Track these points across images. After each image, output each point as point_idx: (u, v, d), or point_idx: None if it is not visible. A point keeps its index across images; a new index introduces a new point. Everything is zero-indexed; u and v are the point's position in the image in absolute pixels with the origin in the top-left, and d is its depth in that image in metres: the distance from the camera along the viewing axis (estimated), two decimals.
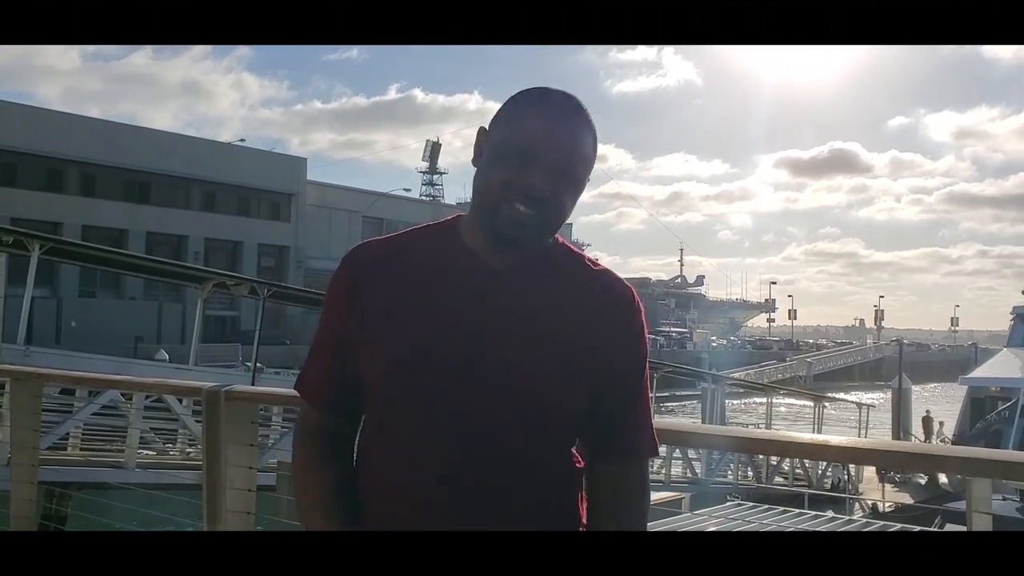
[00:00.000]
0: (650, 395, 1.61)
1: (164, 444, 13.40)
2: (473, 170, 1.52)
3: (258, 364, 20.22)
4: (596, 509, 1.54)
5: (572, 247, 1.58)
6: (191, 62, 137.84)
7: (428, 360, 1.44)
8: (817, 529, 6.15)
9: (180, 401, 11.59)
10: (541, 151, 1.44)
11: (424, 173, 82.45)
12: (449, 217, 1.60)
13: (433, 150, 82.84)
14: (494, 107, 1.55)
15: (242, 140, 53.91)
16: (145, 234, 41.66)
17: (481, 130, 1.53)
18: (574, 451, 1.56)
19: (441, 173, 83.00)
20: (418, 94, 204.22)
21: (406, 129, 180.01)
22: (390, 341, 1.45)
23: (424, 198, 73.87)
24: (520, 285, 1.49)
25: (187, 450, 12.90)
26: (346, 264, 1.56)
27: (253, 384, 15.00)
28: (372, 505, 1.49)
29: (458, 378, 1.43)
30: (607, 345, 1.50)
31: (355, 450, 1.58)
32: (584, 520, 1.55)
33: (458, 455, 1.42)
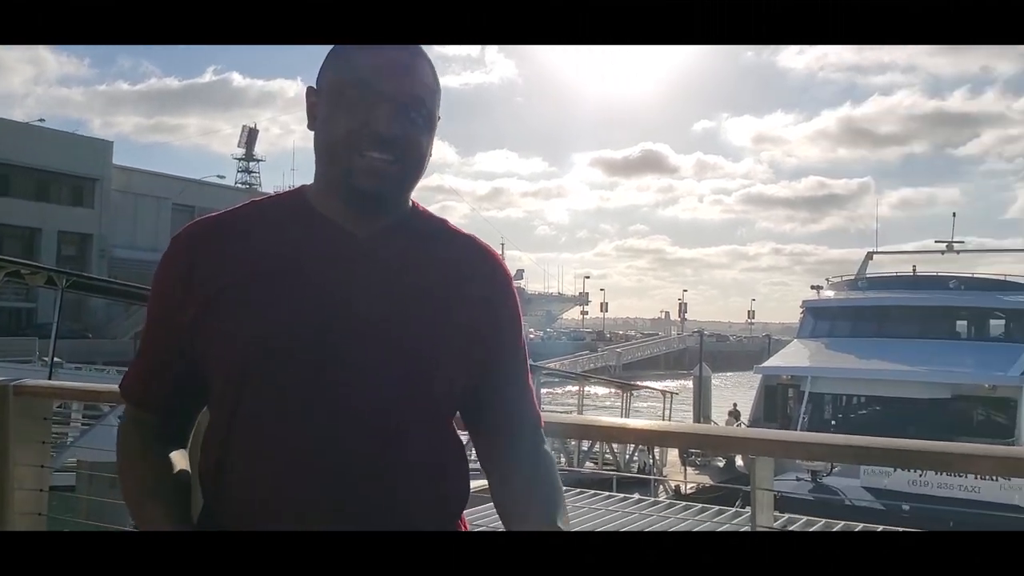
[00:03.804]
0: (528, 363, 1.54)
1: None
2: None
3: (57, 359, 18.97)
4: (509, 482, 1.42)
5: (432, 212, 1.47)
6: None
7: (290, 341, 1.29)
8: (626, 510, 6.45)
9: None
10: (383, 85, 1.31)
11: (240, 160, 79.83)
12: (291, 188, 1.45)
13: (250, 136, 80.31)
14: None
15: (41, 120, 50.22)
16: None
17: (310, 90, 1.40)
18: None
19: (258, 160, 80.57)
20: (235, 77, 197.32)
21: (220, 114, 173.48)
22: (244, 324, 1.29)
23: (240, 186, 71.35)
24: (385, 250, 1.36)
25: None
26: (177, 245, 1.37)
27: (50, 379, 14.11)
28: (236, 493, 1.33)
29: (324, 355, 1.29)
30: (482, 309, 1.40)
31: (201, 445, 1.40)
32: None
33: (331, 431, 1.29)
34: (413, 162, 1.36)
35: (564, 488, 1.50)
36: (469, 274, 1.42)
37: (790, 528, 5.15)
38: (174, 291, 1.35)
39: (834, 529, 5.61)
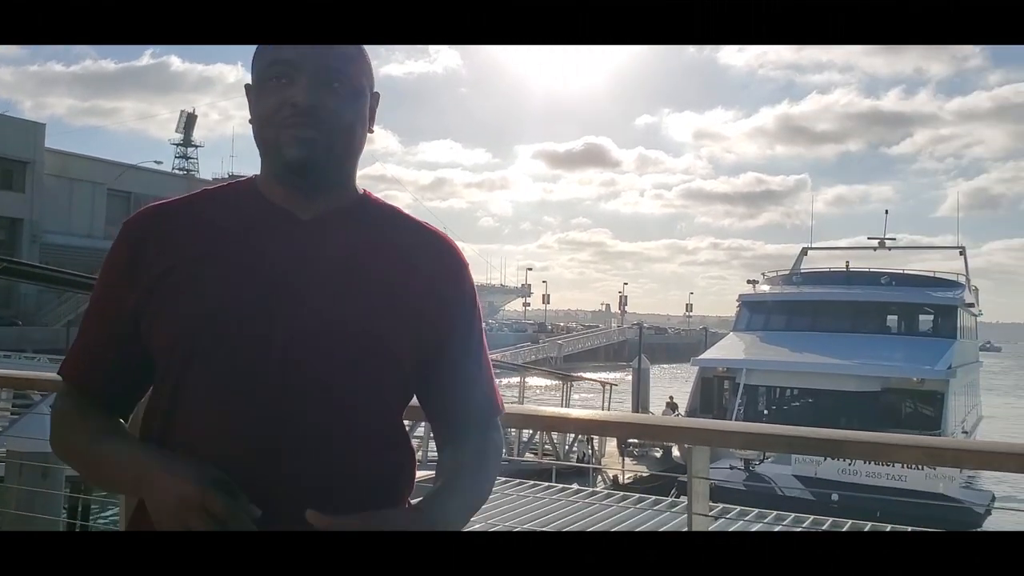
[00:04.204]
0: (487, 351, 1.52)
1: None
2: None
3: None
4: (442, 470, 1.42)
5: (385, 201, 1.48)
6: None
7: (229, 319, 1.30)
8: (567, 500, 6.51)
9: None
10: (298, 64, 1.34)
11: (178, 145, 78.08)
12: (231, 176, 1.47)
13: (188, 121, 78.46)
14: None
15: None
16: None
17: (247, 87, 1.43)
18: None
19: (196, 146, 78.94)
20: (174, 61, 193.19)
21: (158, 98, 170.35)
22: (190, 301, 1.31)
23: (177, 172, 69.53)
24: (330, 233, 1.37)
25: None
26: (126, 229, 1.40)
27: None
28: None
29: (264, 333, 1.30)
30: (432, 293, 1.40)
31: (142, 420, 1.39)
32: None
33: (276, 406, 1.29)
34: (339, 131, 1.37)
35: (504, 478, 1.51)
36: (419, 259, 1.42)
37: (725, 517, 5.26)
38: (121, 275, 1.38)
39: (767, 519, 5.76)
